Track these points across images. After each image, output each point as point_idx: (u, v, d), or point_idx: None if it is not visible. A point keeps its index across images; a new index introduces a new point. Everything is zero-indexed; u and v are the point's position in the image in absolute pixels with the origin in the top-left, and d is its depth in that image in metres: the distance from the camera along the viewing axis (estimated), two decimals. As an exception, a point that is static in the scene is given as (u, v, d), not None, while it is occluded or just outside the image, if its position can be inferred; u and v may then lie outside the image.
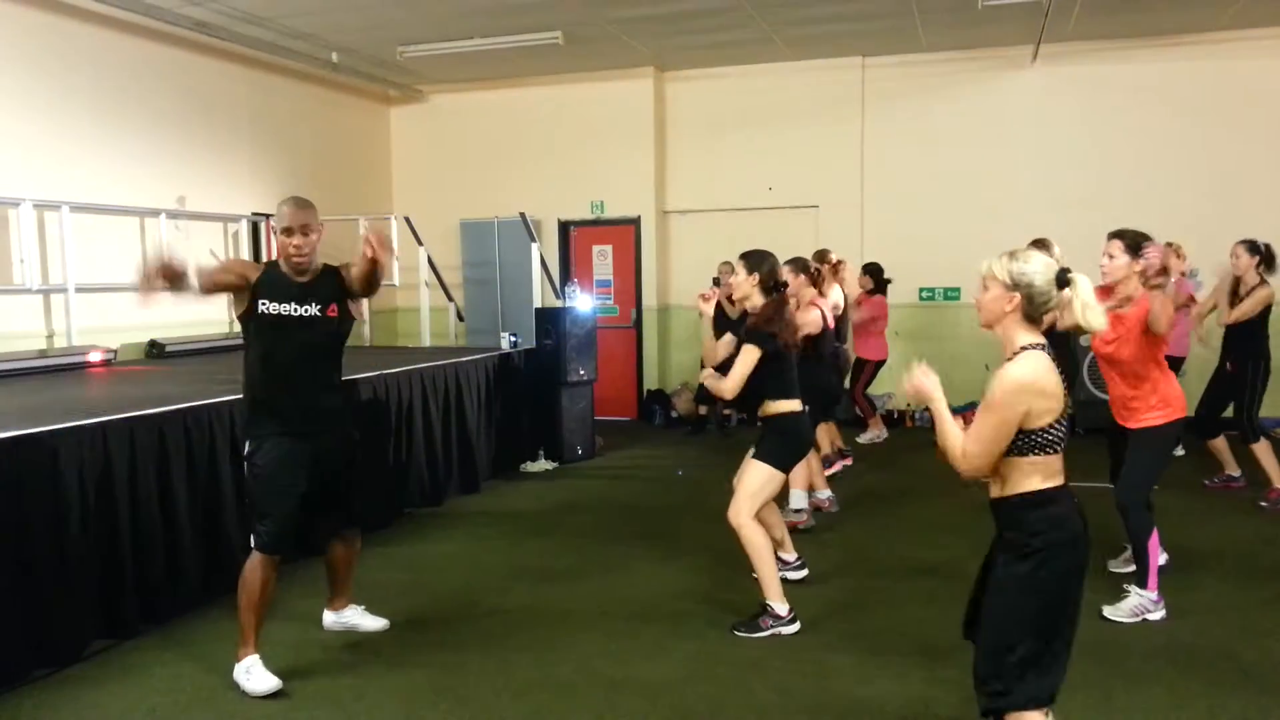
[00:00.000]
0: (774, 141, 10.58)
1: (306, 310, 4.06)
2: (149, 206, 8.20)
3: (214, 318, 9.03)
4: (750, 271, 4.79)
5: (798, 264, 6.35)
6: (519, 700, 3.87)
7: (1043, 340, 2.82)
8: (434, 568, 5.28)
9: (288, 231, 4.02)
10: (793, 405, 4.78)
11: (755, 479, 4.69)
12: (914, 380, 2.89)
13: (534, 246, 9.50)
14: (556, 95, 11.01)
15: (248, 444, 4.12)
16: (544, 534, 6.38)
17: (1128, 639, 4.37)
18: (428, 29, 8.87)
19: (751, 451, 4.80)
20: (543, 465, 8.43)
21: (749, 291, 4.81)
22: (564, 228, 11.35)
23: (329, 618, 4.68)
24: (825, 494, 6.69)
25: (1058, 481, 2.79)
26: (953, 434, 2.82)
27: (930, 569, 5.41)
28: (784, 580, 4.82)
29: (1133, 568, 4.86)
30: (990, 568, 2.90)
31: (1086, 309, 2.79)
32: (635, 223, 11.03)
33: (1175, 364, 7.27)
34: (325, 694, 3.96)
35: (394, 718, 3.75)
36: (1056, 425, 2.75)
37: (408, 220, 9.70)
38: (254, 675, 3.96)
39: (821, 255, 7.59)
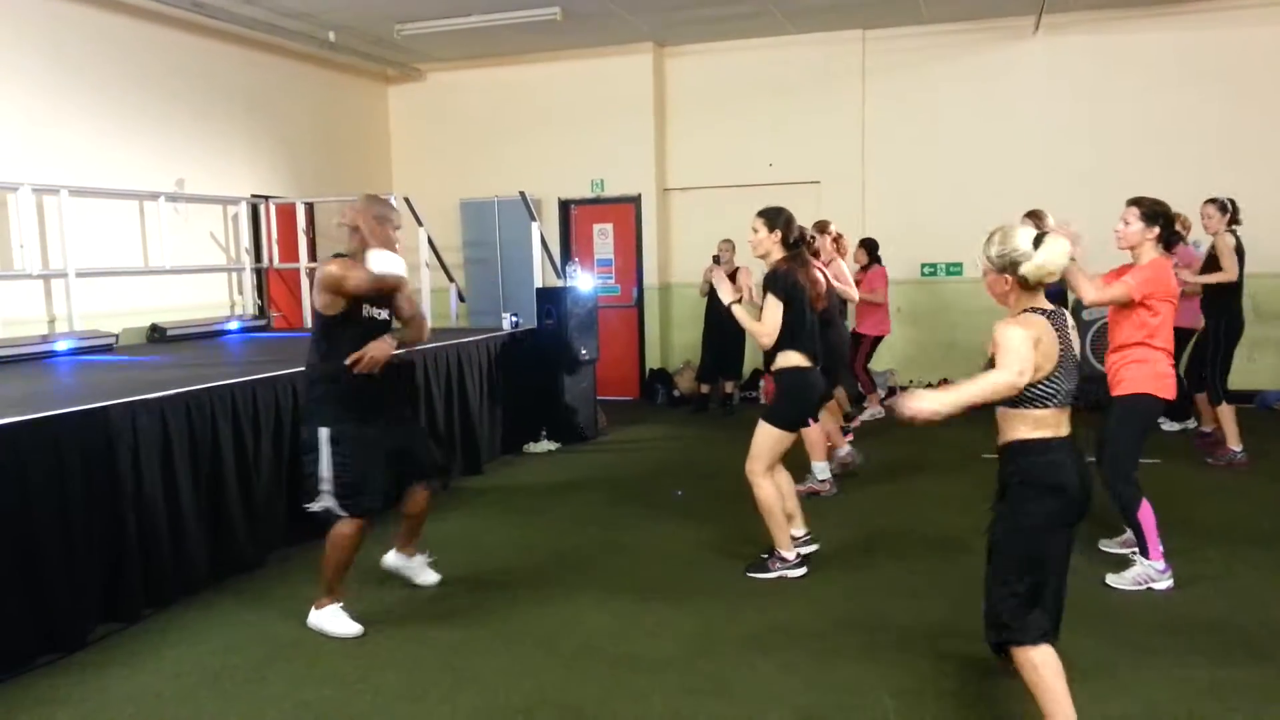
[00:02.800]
0: (775, 117, 10.52)
1: (382, 313, 4.38)
2: (148, 190, 8.18)
3: (214, 301, 9.04)
4: (771, 229, 4.93)
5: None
6: (523, 678, 3.88)
7: (1048, 306, 3.10)
8: (437, 548, 5.27)
9: (398, 228, 4.36)
10: (803, 360, 4.87)
11: (763, 441, 4.90)
12: (909, 413, 2.95)
13: (534, 226, 9.47)
14: (556, 73, 10.95)
15: (325, 429, 4.24)
16: (547, 514, 6.39)
17: (1132, 613, 4.38)
18: (425, 6, 8.82)
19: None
20: (545, 446, 8.43)
21: (770, 248, 4.93)
22: (564, 206, 11.31)
23: (391, 558, 4.96)
24: (845, 450, 6.71)
25: (1047, 434, 3.05)
26: (981, 385, 2.95)
27: (935, 544, 5.42)
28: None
29: (1125, 551, 4.93)
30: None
31: (1036, 260, 3.02)
32: (636, 201, 10.99)
33: (1186, 336, 7.26)
34: (330, 672, 3.98)
35: (398, 695, 3.77)
36: (1047, 382, 3.01)
37: (407, 200, 9.65)
38: (339, 620, 4.36)
39: (822, 226, 7.53)
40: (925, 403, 2.92)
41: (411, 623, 4.46)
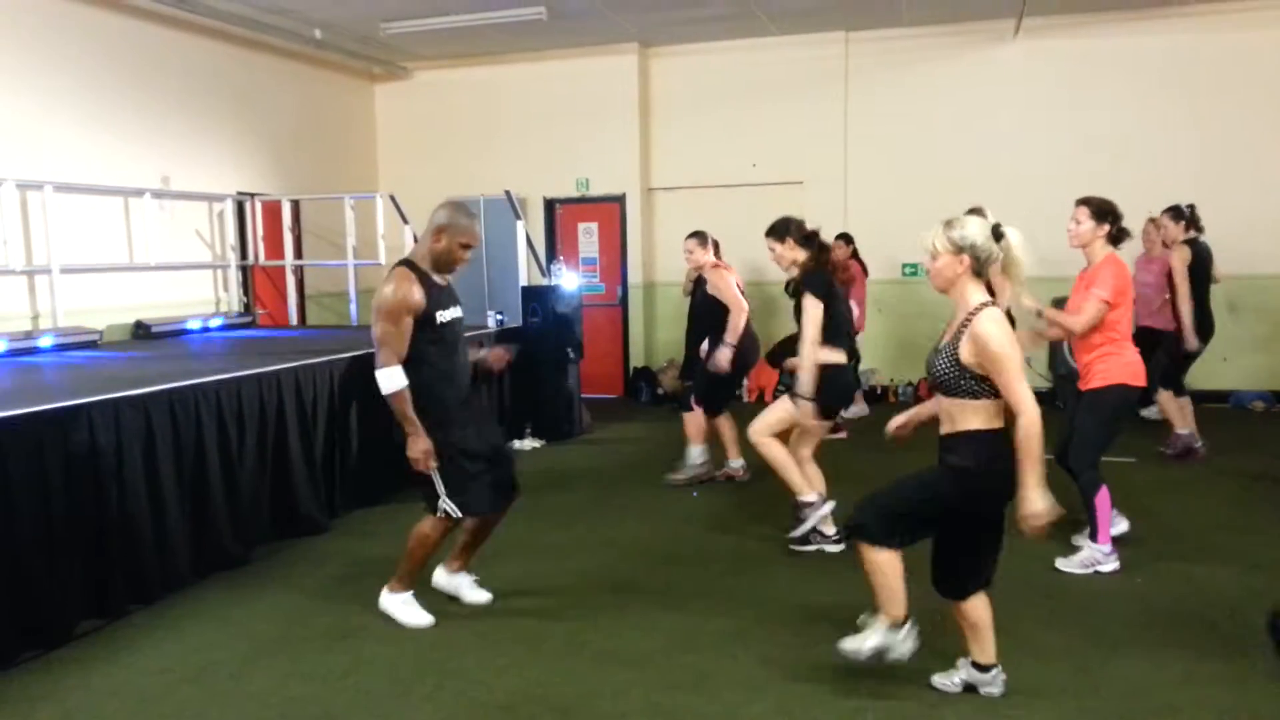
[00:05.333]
0: (758, 117, 10.58)
1: (456, 311, 4.44)
2: (133, 186, 8.16)
3: (199, 298, 9.03)
4: (783, 239, 5.24)
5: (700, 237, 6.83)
6: (506, 673, 3.92)
7: (990, 297, 3.25)
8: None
9: (467, 248, 4.37)
10: (838, 356, 5.14)
11: (776, 410, 5.27)
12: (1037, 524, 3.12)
13: (519, 224, 9.49)
14: (541, 72, 10.98)
15: (438, 436, 4.19)
16: (530, 510, 6.38)
17: (1103, 607, 4.44)
18: (411, 5, 8.83)
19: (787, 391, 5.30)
20: (530, 443, 8.46)
21: (792, 255, 5.24)
22: (549, 205, 11.34)
23: (441, 577, 4.76)
24: (738, 463, 6.92)
25: (999, 425, 3.20)
26: (1031, 446, 3.09)
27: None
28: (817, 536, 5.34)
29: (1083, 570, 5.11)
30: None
31: (1012, 254, 3.21)
32: (620, 200, 11.03)
33: (1156, 337, 7.33)
34: (314, 668, 4.00)
35: (381, 691, 3.79)
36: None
37: (393, 198, 9.67)
38: (412, 609, 4.43)
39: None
40: (1041, 507, 3.07)
41: (392, 618, 4.47)
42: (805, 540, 5.28)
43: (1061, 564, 4.95)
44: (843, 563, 5.17)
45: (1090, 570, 4.86)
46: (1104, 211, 4.88)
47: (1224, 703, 3.52)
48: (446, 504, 4.28)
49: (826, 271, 5.22)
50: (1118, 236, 4.92)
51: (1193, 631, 4.16)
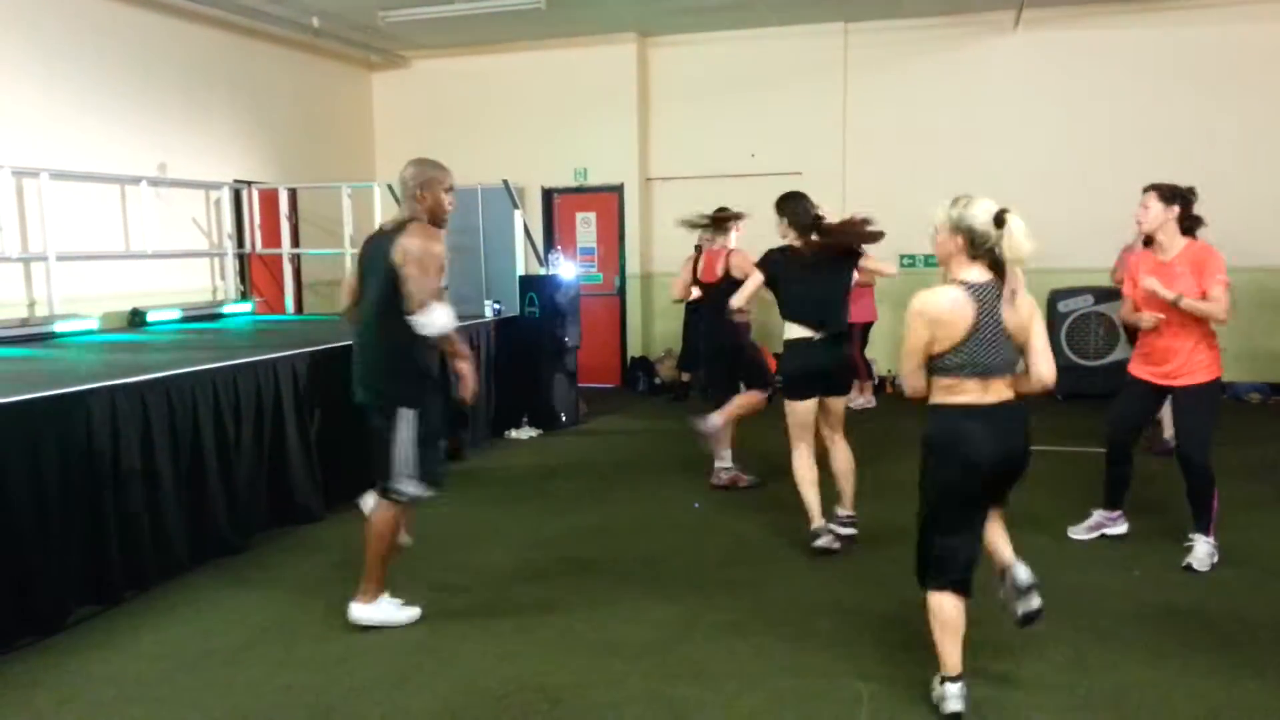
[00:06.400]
0: (757, 108, 10.56)
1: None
2: (130, 174, 8.14)
3: (196, 286, 9.02)
4: (780, 217, 5.25)
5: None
6: (502, 662, 3.92)
7: (978, 281, 3.23)
8: (418, 534, 5.31)
9: (451, 190, 4.36)
10: (798, 332, 5.19)
11: (786, 414, 5.21)
12: None
13: (517, 214, 9.47)
14: (539, 61, 10.95)
15: (413, 412, 4.14)
16: (527, 500, 6.42)
17: (1100, 600, 4.45)
18: (408, -7, 8.80)
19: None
20: (527, 432, 8.46)
21: (783, 233, 5.28)
22: (547, 195, 11.32)
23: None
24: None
25: (957, 400, 3.25)
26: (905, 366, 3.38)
27: (909, 533, 5.46)
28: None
29: (1092, 535, 5.27)
30: None
31: (1013, 240, 3.14)
32: (619, 190, 11.01)
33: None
34: (309, 656, 4.01)
35: (376, 680, 3.79)
36: (954, 353, 3.20)
37: (390, 187, 9.63)
38: (395, 610, 4.33)
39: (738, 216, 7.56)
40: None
41: (383, 626, 4.46)
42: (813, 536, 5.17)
43: (1072, 531, 5.27)
44: (840, 557, 5.18)
45: (1208, 568, 4.81)
46: (1174, 194, 4.81)
47: (1218, 698, 3.53)
48: (411, 485, 4.16)
49: (793, 251, 5.16)
50: (1190, 226, 4.85)
51: (1188, 626, 4.16)
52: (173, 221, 8.71)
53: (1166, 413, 7.08)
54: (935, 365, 3.27)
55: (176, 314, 8.26)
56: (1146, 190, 4.90)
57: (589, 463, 7.43)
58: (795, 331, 5.15)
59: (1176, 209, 4.80)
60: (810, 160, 10.37)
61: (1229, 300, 4.71)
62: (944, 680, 3.37)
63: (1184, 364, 4.83)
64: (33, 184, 7.27)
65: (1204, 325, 4.80)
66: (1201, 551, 4.87)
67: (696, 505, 6.16)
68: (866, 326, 9.35)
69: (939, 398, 3.31)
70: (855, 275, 5.27)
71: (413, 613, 4.35)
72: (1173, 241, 4.83)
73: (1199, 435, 4.86)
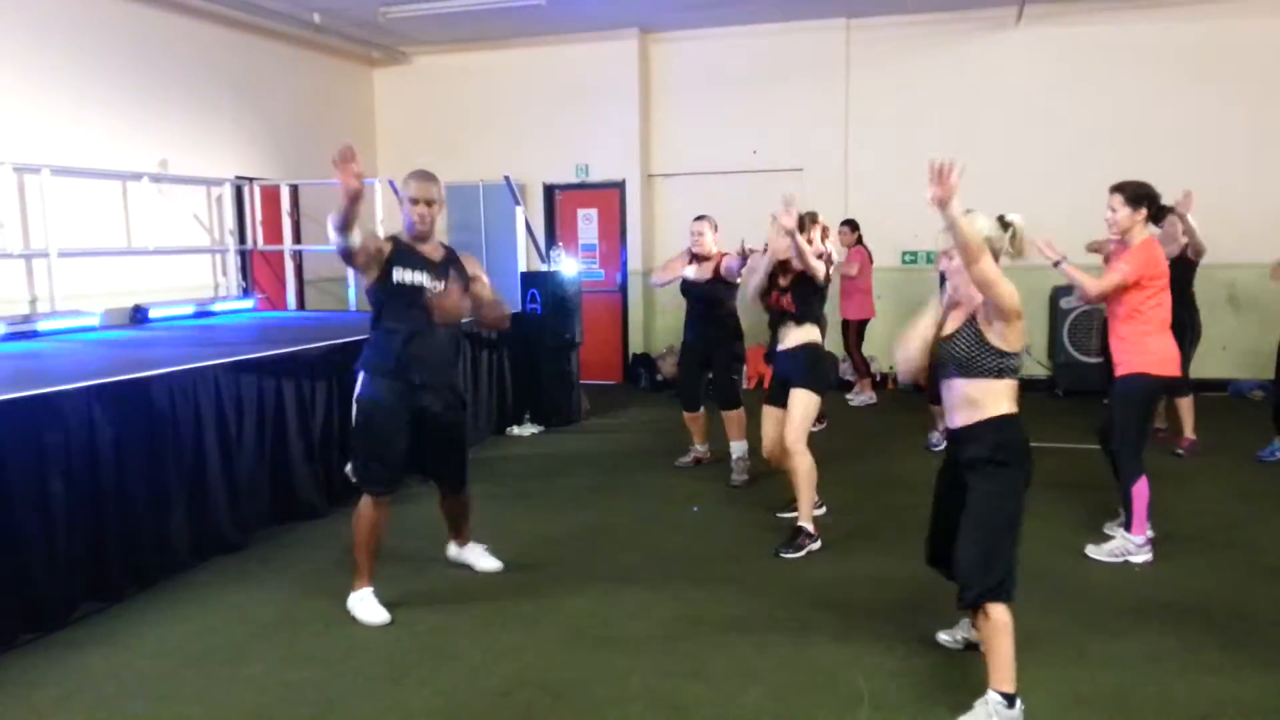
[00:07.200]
0: (758, 104, 10.55)
1: (419, 278, 4.31)
2: (131, 170, 8.14)
3: (198, 282, 9.01)
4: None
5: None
6: (503, 660, 3.93)
7: None
8: (419, 531, 5.32)
9: (415, 202, 4.34)
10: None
11: (803, 409, 5.18)
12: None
13: (518, 210, 9.47)
14: (541, 58, 10.94)
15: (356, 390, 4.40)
16: (529, 497, 6.43)
17: (1103, 596, 4.45)
18: (410, -11, 8.80)
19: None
20: (529, 429, 8.46)
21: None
22: (549, 191, 11.32)
23: (452, 549, 5.05)
24: (704, 448, 7.12)
25: (1015, 409, 3.29)
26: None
27: (908, 529, 5.45)
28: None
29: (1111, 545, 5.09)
30: (947, 495, 3.44)
31: (1022, 235, 3.40)
32: (620, 186, 11.00)
33: None
34: (311, 652, 4.01)
35: (378, 676, 3.80)
36: (1021, 352, 3.26)
37: (391, 184, 9.63)
38: (366, 605, 4.35)
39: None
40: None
41: (392, 605, 4.46)
42: (795, 549, 5.13)
43: (1091, 551, 4.95)
44: (840, 551, 5.18)
45: (1120, 560, 4.84)
46: (1139, 196, 4.78)
47: (1219, 694, 3.53)
48: (349, 467, 4.39)
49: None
50: (1157, 216, 4.86)
51: (1189, 621, 4.16)
52: (174, 218, 8.71)
53: (1185, 410, 7.08)
54: (1005, 366, 3.24)
55: (178, 310, 8.27)
56: (1112, 191, 4.86)
57: (591, 459, 7.44)
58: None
59: (1144, 211, 4.79)
60: (812, 157, 10.38)
61: (1108, 287, 4.75)
62: (1009, 700, 3.19)
63: (1117, 355, 4.89)
64: (34, 180, 7.27)
65: (1140, 320, 4.78)
66: (1111, 544, 4.92)
67: (695, 509, 6.12)
68: (862, 324, 9.36)
69: (1005, 406, 3.26)
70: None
71: (382, 615, 4.32)
72: (1136, 241, 4.82)
73: (1119, 427, 4.88)
